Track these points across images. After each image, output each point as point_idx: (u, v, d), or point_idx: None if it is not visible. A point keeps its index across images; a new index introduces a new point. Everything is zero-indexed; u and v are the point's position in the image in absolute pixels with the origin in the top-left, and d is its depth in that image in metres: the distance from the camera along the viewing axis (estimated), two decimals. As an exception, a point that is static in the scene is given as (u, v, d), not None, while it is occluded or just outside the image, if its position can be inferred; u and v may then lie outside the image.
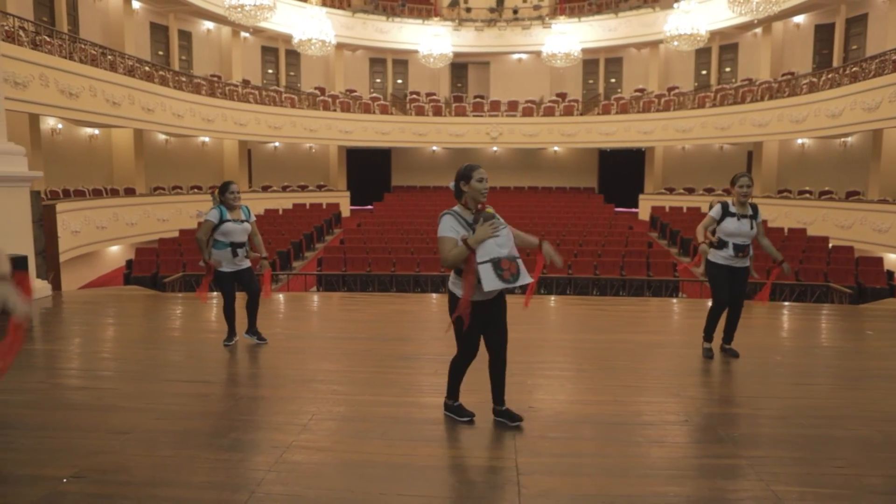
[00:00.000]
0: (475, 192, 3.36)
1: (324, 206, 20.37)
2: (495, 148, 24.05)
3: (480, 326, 3.46)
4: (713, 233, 5.01)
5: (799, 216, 16.45)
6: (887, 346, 6.14)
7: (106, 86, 13.20)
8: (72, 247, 11.53)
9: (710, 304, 5.23)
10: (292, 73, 23.40)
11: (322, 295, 9.84)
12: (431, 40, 20.62)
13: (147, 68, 15.59)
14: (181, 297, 8.69)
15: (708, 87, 21.84)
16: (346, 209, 22.09)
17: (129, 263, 12.40)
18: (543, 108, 22.98)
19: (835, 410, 4.04)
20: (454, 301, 3.42)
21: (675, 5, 17.83)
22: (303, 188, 22.20)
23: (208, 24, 20.56)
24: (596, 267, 11.84)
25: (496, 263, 3.25)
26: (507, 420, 3.64)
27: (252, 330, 5.34)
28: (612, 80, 24.46)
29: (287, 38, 19.96)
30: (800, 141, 18.84)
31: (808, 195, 17.63)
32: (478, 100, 24.00)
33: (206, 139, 19.85)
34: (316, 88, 22.88)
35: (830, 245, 13.75)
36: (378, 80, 25.09)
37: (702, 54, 21.88)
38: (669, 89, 22.22)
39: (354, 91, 23.59)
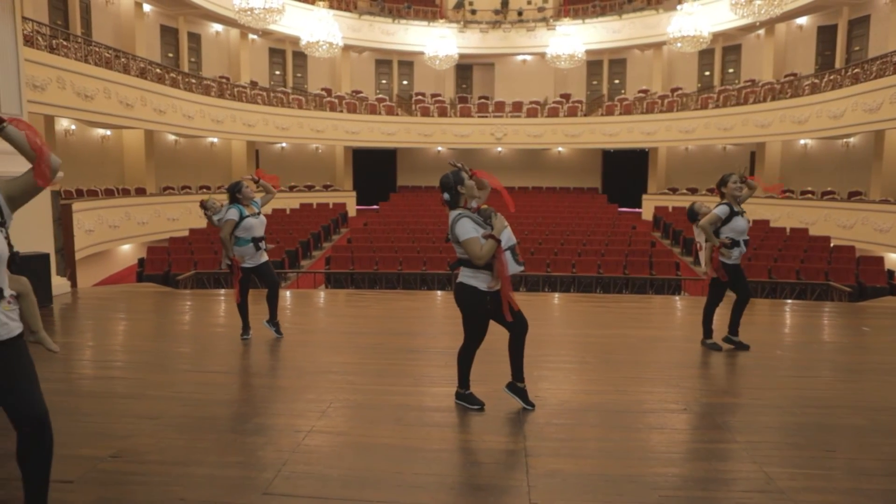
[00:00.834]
0: (470, 191, 3.58)
1: (330, 206, 20.61)
2: (500, 148, 24.25)
3: (491, 314, 3.68)
4: (716, 233, 5.11)
5: (801, 216, 16.60)
6: (882, 341, 6.32)
7: (119, 88, 13.47)
8: (86, 245, 11.78)
9: (708, 301, 5.41)
10: (299, 75, 23.65)
11: (331, 292, 10.06)
12: (437, 42, 20.82)
13: (158, 70, 15.87)
14: (195, 293, 8.93)
15: (711, 88, 21.98)
16: (352, 209, 22.33)
17: (142, 262, 12.65)
18: (548, 109, 23.17)
19: (829, 401, 4.23)
20: (469, 293, 3.62)
21: (679, 7, 17.99)
22: (309, 188, 22.44)
23: (217, 27, 20.83)
24: (599, 266, 12.02)
25: (513, 250, 3.54)
26: (521, 399, 3.85)
27: (272, 320, 5.56)
28: (616, 82, 24.62)
29: (294, 40, 20.21)
30: (802, 141, 18.97)
31: (810, 195, 17.76)
32: (482, 101, 24.20)
33: (215, 140, 20.11)
34: (322, 90, 23.12)
35: (832, 245, 13.90)
36: (384, 82, 25.31)
37: (705, 55, 22.03)
38: (673, 90, 22.38)
39: (360, 92, 23.83)
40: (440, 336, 5.94)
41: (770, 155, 19.65)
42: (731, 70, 22.06)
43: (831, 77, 16.43)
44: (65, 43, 12.34)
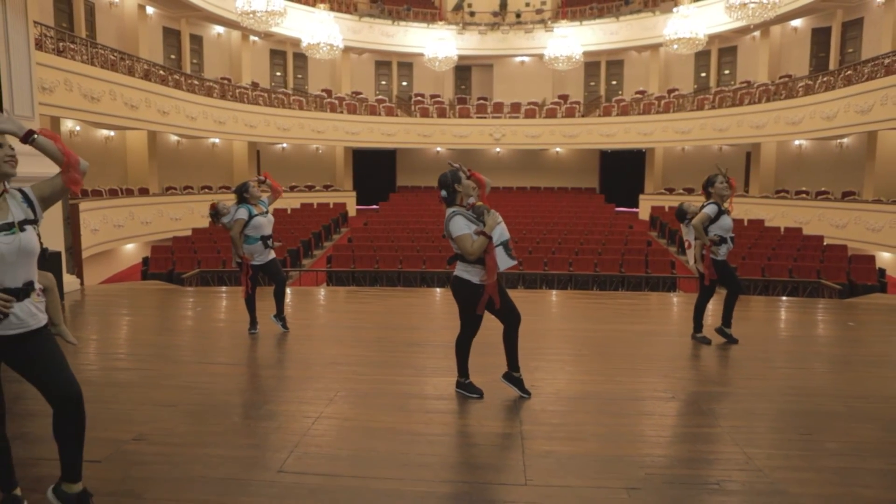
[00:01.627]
0: (467, 189, 3.82)
1: (331, 206, 20.82)
2: (498, 149, 24.48)
3: (487, 305, 3.91)
4: (706, 231, 5.34)
5: (796, 216, 16.85)
6: (865, 335, 6.56)
7: (124, 89, 13.69)
8: (91, 244, 11.99)
9: (699, 297, 5.64)
10: (300, 76, 23.87)
11: (334, 289, 10.28)
12: (436, 43, 21.05)
13: (162, 72, 16.09)
14: (200, 290, 9.15)
15: (707, 89, 22.23)
16: (352, 209, 22.55)
17: (146, 260, 12.86)
18: (546, 110, 23.40)
19: (810, 390, 4.46)
20: (465, 286, 3.86)
21: (675, 10, 18.24)
22: (310, 188, 22.65)
23: (219, 29, 21.05)
24: (596, 264, 12.25)
25: (506, 245, 3.75)
26: (517, 388, 4.07)
27: (280, 315, 5.78)
28: (614, 83, 24.87)
29: (295, 42, 20.42)
30: (797, 142, 19.22)
31: (804, 195, 18.01)
32: (481, 102, 24.43)
33: (217, 140, 20.33)
34: (323, 91, 23.34)
35: (825, 244, 14.14)
36: (384, 83, 25.54)
37: (701, 57, 22.27)
38: (669, 91, 22.62)
39: (360, 93, 24.05)
40: (440, 330, 6.16)
41: (765, 155, 19.90)
42: (727, 71, 22.32)
43: (824, 79, 16.69)
44: (72, 46, 12.56)
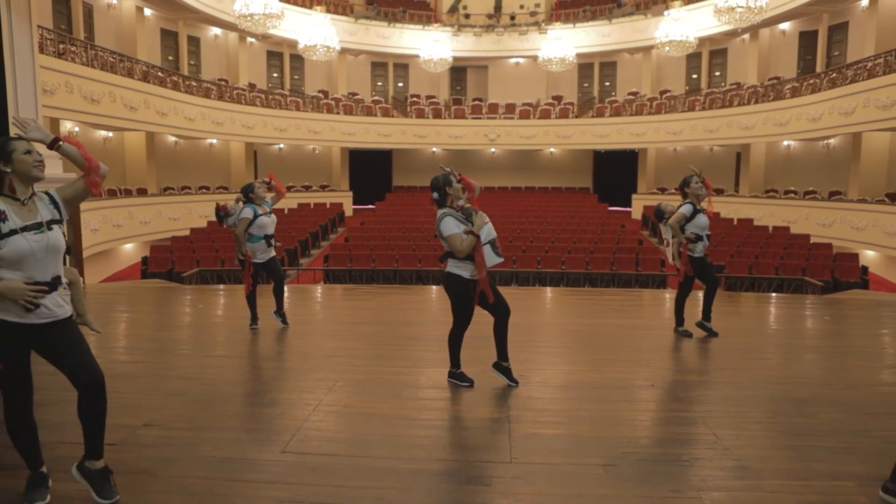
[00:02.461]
0: (457, 192, 4.09)
1: (327, 206, 21.06)
2: (493, 149, 24.76)
3: (476, 300, 4.17)
4: (682, 230, 5.62)
5: (784, 215, 17.19)
6: (839, 328, 6.86)
7: (124, 91, 13.91)
8: (91, 244, 12.20)
9: (679, 292, 5.92)
10: (296, 77, 24.09)
11: (331, 287, 10.53)
12: (432, 45, 21.31)
13: (160, 74, 16.30)
14: (201, 288, 9.38)
15: (698, 90, 22.56)
16: (349, 209, 22.78)
17: (145, 260, 13.07)
18: (540, 111, 23.69)
19: (779, 378, 4.73)
20: (456, 281, 4.12)
21: (666, 13, 18.54)
22: (307, 188, 22.87)
23: (216, 30, 21.25)
24: (588, 263, 12.53)
25: (493, 243, 4.01)
26: (505, 377, 4.33)
27: (279, 311, 6.02)
28: (607, 84, 25.18)
29: (292, 43, 20.64)
30: (785, 143, 19.56)
31: (793, 195, 18.35)
32: (476, 102, 24.69)
33: (214, 141, 20.53)
34: (319, 91, 23.57)
35: (811, 242, 14.46)
36: (380, 84, 25.79)
37: (692, 59, 22.59)
38: (661, 93, 22.93)
39: (357, 94, 24.29)
40: (434, 325, 6.41)
41: (755, 156, 20.23)
42: (717, 73, 22.65)
43: (811, 81, 17.04)
44: (72, 49, 12.77)
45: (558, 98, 24.60)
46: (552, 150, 24.99)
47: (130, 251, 15.66)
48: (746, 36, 20.73)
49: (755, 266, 12.64)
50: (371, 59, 25.21)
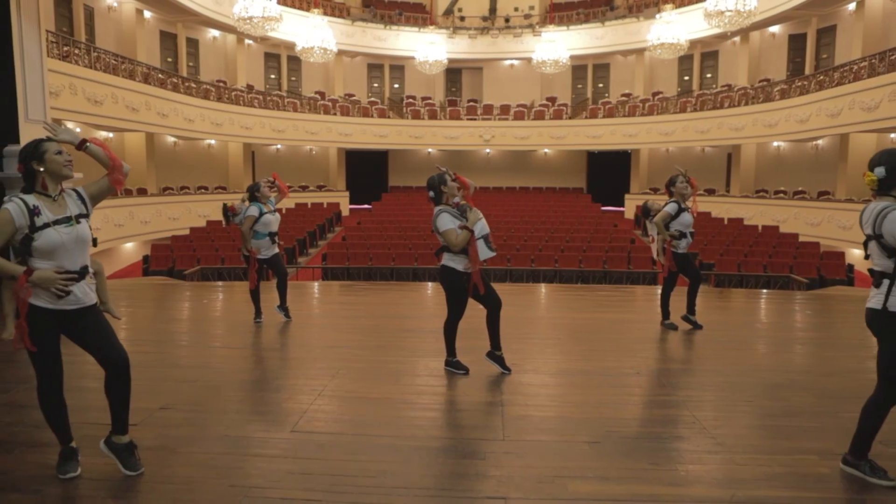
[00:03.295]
0: (451, 190, 4.35)
1: (324, 206, 21.29)
2: (488, 150, 25.05)
3: (469, 292, 4.44)
4: (667, 227, 5.90)
5: (773, 214, 17.53)
6: (819, 321, 7.16)
7: (126, 93, 14.13)
8: (94, 243, 12.38)
9: (664, 287, 6.20)
10: (293, 78, 24.32)
11: (331, 284, 10.77)
12: (427, 47, 21.57)
13: (161, 76, 16.51)
14: (204, 285, 9.61)
15: (690, 92, 22.90)
16: (345, 208, 23.02)
17: (146, 258, 13.27)
18: (534, 112, 23.99)
19: (758, 366, 5.01)
20: (451, 273, 4.38)
21: (658, 16, 18.85)
22: (304, 188, 23.09)
23: (214, 32, 21.46)
24: (581, 261, 12.81)
25: (486, 238, 4.27)
26: (499, 364, 4.60)
27: (282, 306, 6.27)
28: (600, 85, 25.50)
29: (289, 45, 20.88)
30: (775, 144, 19.91)
31: (782, 195, 18.69)
32: (471, 104, 24.98)
33: (213, 142, 20.74)
34: (316, 93, 23.80)
35: (800, 241, 14.79)
36: (376, 85, 26.04)
37: (684, 61, 22.93)
38: (654, 94, 23.26)
39: (353, 95, 24.53)
40: (431, 319, 6.66)
41: (745, 156, 20.57)
42: (709, 75, 22.99)
43: (799, 83, 17.39)
44: (76, 52, 12.99)
45: (552, 99, 24.90)
46: (546, 150, 25.29)
47: (131, 250, 15.86)
48: (737, 38, 21.08)
49: (744, 264, 12.94)
50: (367, 60, 25.46)
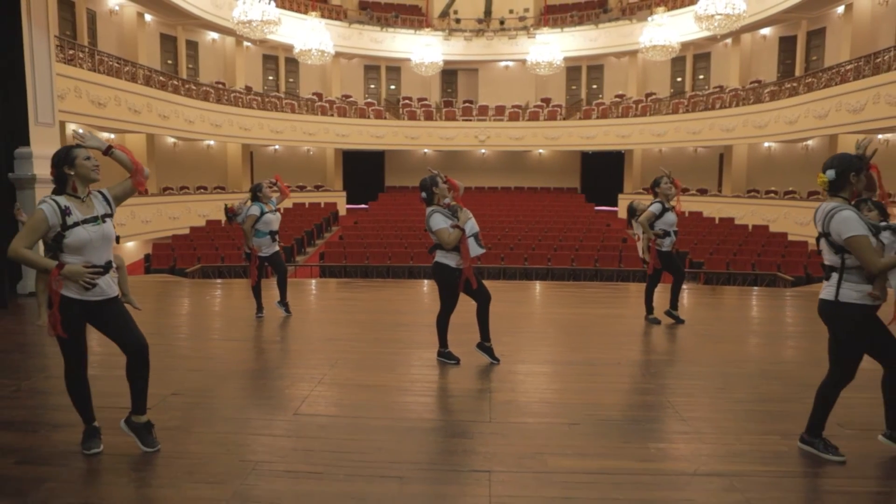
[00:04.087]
0: (443, 192, 4.65)
1: (322, 206, 21.55)
2: (483, 150, 25.35)
3: (465, 286, 4.74)
4: (651, 226, 6.20)
5: (764, 214, 17.86)
6: (796, 315, 7.46)
7: (128, 95, 14.41)
8: (96, 242, 12.64)
9: (648, 283, 6.50)
10: (291, 80, 24.60)
11: (329, 281, 11.05)
12: (423, 49, 21.86)
13: (162, 78, 16.78)
14: (206, 282, 9.89)
15: (683, 93, 23.23)
16: (342, 208, 23.30)
17: (148, 257, 13.54)
18: (529, 113, 24.30)
19: (733, 357, 5.30)
20: (443, 269, 4.68)
21: (650, 18, 19.18)
22: (301, 188, 23.36)
23: (213, 35, 21.72)
24: (573, 260, 13.11)
25: (476, 236, 4.58)
26: (488, 355, 4.89)
27: (283, 301, 6.55)
28: (594, 87, 25.82)
29: (287, 47, 21.15)
30: (766, 144, 20.25)
31: (773, 195, 19.02)
32: (467, 105, 25.27)
33: (212, 142, 21.00)
34: (314, 94, 24.08)
35: (788, 240, 15.11)
36: (372, 86, 26.33)
37: (677, 62, 23.26)
38: (647, 95, 23.59)
39: (350, 96, 24.81)
40: (425, 314, 6.95)
41: (737, 157, 20.91)
42: (701, 76, 23.34)
43: (788, 85, 17.73)
44: (80, 55, 13.26)
45: (547, 100, 25.22)
46: (541, 151, 25.60)
47: (132, 249, 16.12)
48: (729, 40, 21.42)
49: (733, 263, 13.26)
50: (364, 62, 25.74)
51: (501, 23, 25.09)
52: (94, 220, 3.12)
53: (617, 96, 24.25)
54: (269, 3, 15.17)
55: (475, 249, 4.61)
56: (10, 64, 7.61)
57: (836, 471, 3.14)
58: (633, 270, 12.52)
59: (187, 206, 17.02)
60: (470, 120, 24.26)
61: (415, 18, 25.45)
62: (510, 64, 25.72)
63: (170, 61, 20.02)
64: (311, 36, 18.26)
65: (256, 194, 6.22)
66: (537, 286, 9.93)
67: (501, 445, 3.41)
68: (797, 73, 19.28)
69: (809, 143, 19.02)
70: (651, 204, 6.20)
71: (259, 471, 3.06)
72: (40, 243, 3.10)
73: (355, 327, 6.44)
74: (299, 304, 7.87)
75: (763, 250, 14.18)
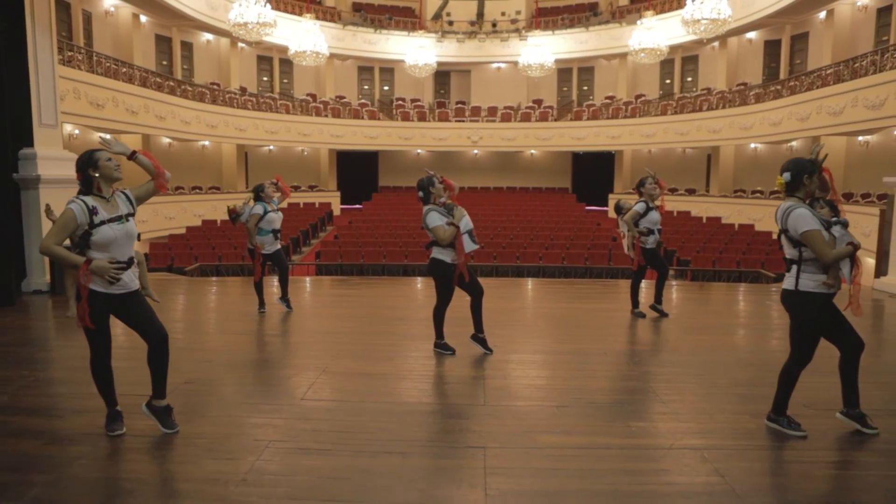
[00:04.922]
0: (439, 191, 4.94)
1: (316, 206, 21.78)
2: (476, 151, 25.67)
3: (459, 280, 5.03)
4: (636, 225, 6.51)
5: (750, 214, 18.28)
6: (775, 310, 7.79)
7: (126, 96, 14.59)
8: (95, 241, 12.83)
9: (633, 279, 6.82)
10: (285, 81, 24.80)
11: (326, 279, 11.30)
12: (416, 51, 22.13)
13: (158, 79, 16.96)
14: (207, 280, 10.12)
15: (671, 95, 23.64)
16: (336, 208, 23.52)
17: (146, 256, 13.70)
18: (521, 114, 24.63)
19: (713, 347, 5.62)
20: (439, 264, 4.97)
21: (639, 22, 19.55)
22: (296, 188, 23.48)
23: (208, 36, 21.89)
24: (564, 258, 13.44)
25: (470, 233, 4.88)
26: (482, 346, 5.19)
27: (284, 297, 6.82)
28: (585, 88, 26.20)
29: (281, 48, 21.36)
30: (752, 145, 20.68)
31: (759, 194, 19.45)
32: (460, 106, 25.58)
33: (207, 143, 21.18)
34: (308, 95, 24.29)
35: (773, 238, 15.51)
36: (366, 87, 26.57)
37: (666, 65, 23.66)
38: (637, 97, 23.98)
39: (344, 97, 25.05)
40: (421, 309, 7.22)
41: (724, 157, 21.33)
42: (689, 78, 23.76)
43: (773, 88, 18.15)
44: (78, 56, 13.43)
45: (538, 102, 25.56)
46: (532, 151, 25.95)
47: (129, 249, 16.28)
48: (716, 44, 21.84)
49: (718, 260, 13.63)
50: (358, 63, 25.99)
51: (493, 25, 25.40)
52: (119, 218, 3.38)
53: (607, 98, 24.63)
54: (265, 6, 15.39)
55: (469, 245, 4.91)
56: (15, 68, 7.83)
57: (798, 444, 3.45)
58: (622, 268, 12.86)
59: (182, 206, 17.21)
60: (463, 121, 24.57)
61: (408, 20, 25.73)
62: (502, 66, 26.04)
63: (165, 62, 20.18)
64: (305, 37, 18.48)
65: (259, 194, 6.48)
66: (529, 283, 10.23)
67: (495, 425, 3.70)
68: (782, 75, 19.72)
69: (793, 144, 19.45)
70: (636, 203, 6.51)
71: (272, 448, 3.33)
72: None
73: (354, 321, 6.71)
74: (300, 299, 8.14)
75: (748, 248, 14.57)
